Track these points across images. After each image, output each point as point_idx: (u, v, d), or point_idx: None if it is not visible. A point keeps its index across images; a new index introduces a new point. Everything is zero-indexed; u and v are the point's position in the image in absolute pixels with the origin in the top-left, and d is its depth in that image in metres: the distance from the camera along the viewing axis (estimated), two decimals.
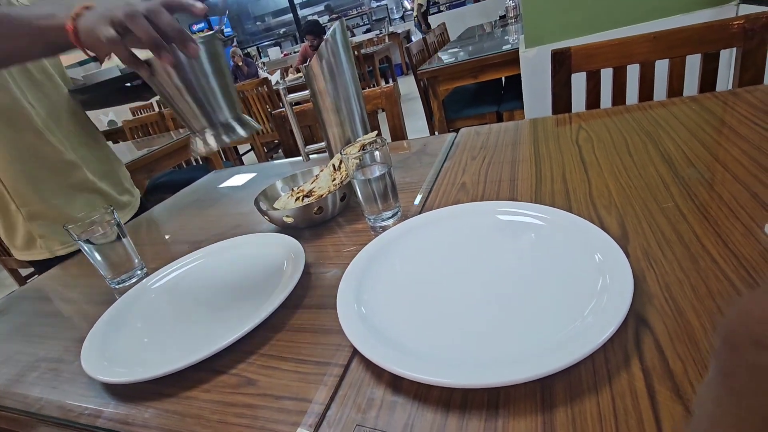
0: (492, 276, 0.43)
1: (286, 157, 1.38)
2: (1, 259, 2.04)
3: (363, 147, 0.72)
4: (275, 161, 1.14)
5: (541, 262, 0.43)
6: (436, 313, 0.40)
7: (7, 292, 0.78)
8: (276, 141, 3.53)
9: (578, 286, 0.38)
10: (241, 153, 3.98)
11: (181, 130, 2.37)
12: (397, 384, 0.35)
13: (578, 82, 1.04)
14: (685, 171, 0.55)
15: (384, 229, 0.61)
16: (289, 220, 0.67)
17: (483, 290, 0.42)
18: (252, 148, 3.62)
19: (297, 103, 1.22)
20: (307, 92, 0.81)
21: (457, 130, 0.97)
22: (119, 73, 0.85)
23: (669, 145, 0.62)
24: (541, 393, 0.30)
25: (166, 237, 0.85)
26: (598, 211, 0.51)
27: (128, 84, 0.93)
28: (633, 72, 0.98)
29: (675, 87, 0.94)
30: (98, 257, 0.65)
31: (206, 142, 0.50)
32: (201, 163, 2.78)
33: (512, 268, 0.44)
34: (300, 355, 0.42)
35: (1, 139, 0.79)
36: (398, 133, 1.21)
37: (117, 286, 0.67)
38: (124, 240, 0.67)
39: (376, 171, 0.63)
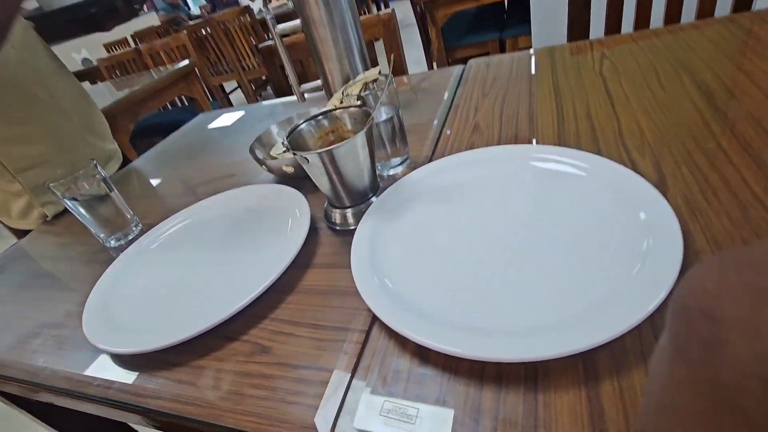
0: (524, 232, 0.40)
1: (277, 95, 1.29)
2: None
3: (366, 86, 0.65)
4: (265, 102, 1.06)
5: (579, 217, 0.39)
6: (462, 275, 0.37)
7: (4, 243, 0.75)
8: (264, 77, 3.33)
9: (621, 245, 0.34)
10: (228, 91, 3.77)
11: (161, 68, 2.20)
12: (423, 354, 0.33)
13: (597, 2, 0.94)
14: (727, 105, 0.49)
15: (393, 178, 0.56)
16: (290, 170, 0.62)
17: (514, 248, 0.38)
18: (239, 86, 3.42)
19: (286, 36, 1.11)
20: (297, 21, 0.72)
21: (461, 61, 0.88)
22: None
23: (706, 75, 0.56)
24: (583, 364, 0.28)
25: (159, 189, 0.80)
26: (630, 153, 0.47)
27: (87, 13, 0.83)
28: None
29: (707, 6, 0.85)
30: (87, 215, 0.61)
31: (345, 220, 0.50)
32: (187, 104, 2.64)
33: (546, 223, 0.40)
34: (314, 319, 0.40)
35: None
36: (397, 66, 1.12)
37: (113, 245, 0.63)
38: (112, 194, 0.63)
39: (383, 114, 0.57)
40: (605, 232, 0.36)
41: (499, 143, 0.56)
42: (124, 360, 0.43)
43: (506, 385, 0.29)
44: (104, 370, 0.42)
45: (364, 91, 0.59)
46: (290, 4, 0.72)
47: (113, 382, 0.41)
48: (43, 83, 0.78)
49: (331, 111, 0.52)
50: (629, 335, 0.29)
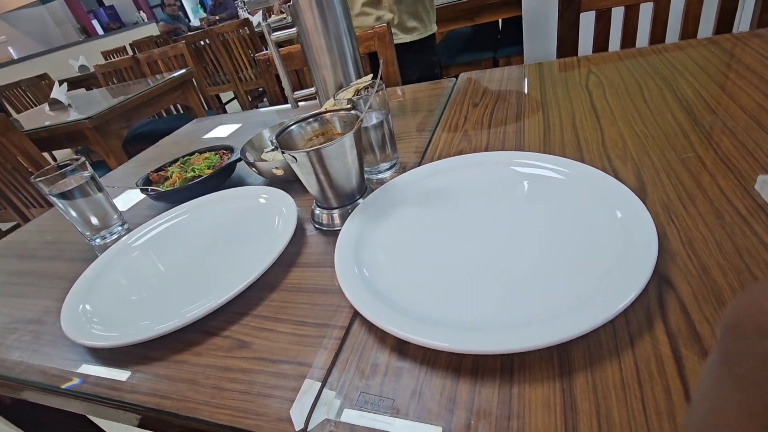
0: (505, 233, 0.40)
1: (272, 106, 1.30)
2: None
3: (357, 92, 0.66)
4: (260, 109, 1.07)
5: (558, 218, 0.40)
6: (443, 273, 0.38)
7: None
8: (261, 89, 3.36)
9: (598, 245, 0.35)
10: (224, 102, 3.79)
11: (158, 76, 2.22)
12: (402, 348, 0.33)
13: (585, 23, 0.97)
14: (706, 118, 0.51)
15: (381, 182, 0.57)
16: (279, 172, 0.62)
17: (494, 248, 0.39)
18: (235, 97, 3.45)
19: (281, 45, 1.13)
20: (293, 30, 0.74)
21: (456, 76, 0.90)
22: None
23: (687, 91, 0.58)
24: (558, 358, 0.29)
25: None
26: (612, 162, 0.48)
27: None
28: (645, 12, 0.91)
29: (689, 29, 0.88)
30: (72, 212, 0.61)
31: (332, 221, 0.51)
32: (182, 112, 2.65)
33: (526, 225, 0.41)
34: (296, 316, 0.40)
35: None
36: (392, 79, 1.14)
37: (97, 243, 0.63)
38: (100, 194, 0.62)
39: (373, 118, 0.58)
40: (583, 233, 0.37)
41: (486, 150, 0.57)
42: (101, 355, 0.42)
43: (482, 377, 0.29)
44: (81, 365, 0.42)
45: (356, 95, 0.60)
46: (290, 18, 0.73)
47: (89, 376, 0.40)
48: None
49: (321, 114, 0.53)
50: (603, 331, 0.29)
